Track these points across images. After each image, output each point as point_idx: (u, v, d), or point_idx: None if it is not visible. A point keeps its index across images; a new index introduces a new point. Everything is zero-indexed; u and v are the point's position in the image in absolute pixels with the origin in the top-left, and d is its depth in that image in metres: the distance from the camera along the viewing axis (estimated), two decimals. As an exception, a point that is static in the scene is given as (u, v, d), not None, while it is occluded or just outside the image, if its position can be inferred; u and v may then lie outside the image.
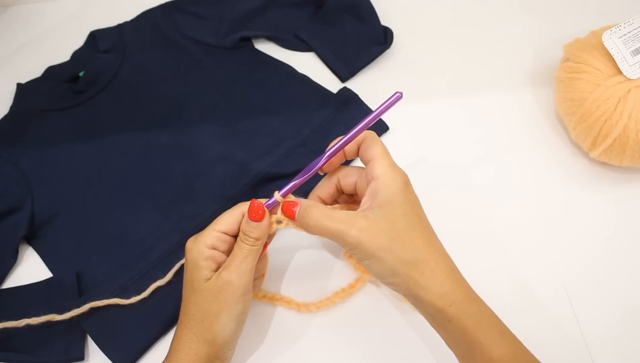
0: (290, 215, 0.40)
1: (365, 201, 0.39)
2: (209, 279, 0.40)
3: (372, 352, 0.46)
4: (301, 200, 0.41)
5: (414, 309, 0.40)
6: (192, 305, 0.40)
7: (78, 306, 0.47)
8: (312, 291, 0.49)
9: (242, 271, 0.39)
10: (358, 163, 0.44)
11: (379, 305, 0.48)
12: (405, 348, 0.46)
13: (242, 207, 0.41)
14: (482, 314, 0.38)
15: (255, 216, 0.40)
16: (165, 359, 0.40)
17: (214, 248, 0.41)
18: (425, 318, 0.40)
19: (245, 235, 0.40)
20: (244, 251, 0.40)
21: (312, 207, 0.39)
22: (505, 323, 0.38)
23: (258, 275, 0.45)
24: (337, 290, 0.48)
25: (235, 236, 0.41)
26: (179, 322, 0.41)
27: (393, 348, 0.45)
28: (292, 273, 0.50)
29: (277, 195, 0.41)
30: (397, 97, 0.40)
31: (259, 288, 0.48)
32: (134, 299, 0.47)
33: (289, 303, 0.48)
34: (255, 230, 0.40)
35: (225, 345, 0.40)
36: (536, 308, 0.47)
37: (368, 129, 0.41)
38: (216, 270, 0.40)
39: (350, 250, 0.39)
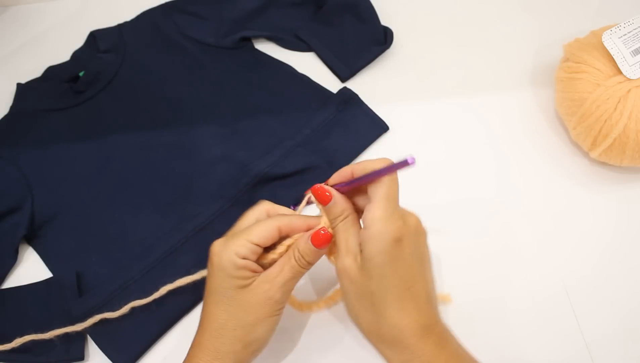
0: (325, 199, 0.37)
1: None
2: (245, 287, 0.38)
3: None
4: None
5: None
6: (222, 313, 0.38)
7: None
8: (312, 291, 0.49)
9: (287, 290, 0.38)
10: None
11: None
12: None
13: (279, 222, 0.39)
14: None
15: (319, 242, 0.38)
16: None
17: (246, 259, 0.38)
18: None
19: (301, 256, 0.38)
20: (294, 272, 0.38)
21: (350, 213, 0.38)
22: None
23: None
24: (338, 287, 0.48)
25: (266, 248, 0.39)
26: (201, 329, 0.39)
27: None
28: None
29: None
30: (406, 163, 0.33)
31: None
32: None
33: (292, 301, 0.47)
34: (313, 255, 0.38)
35: (254, 354, 0.39)
36: (536, 308, 0.47)
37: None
38: (250, 277, 0.38)
39: None
